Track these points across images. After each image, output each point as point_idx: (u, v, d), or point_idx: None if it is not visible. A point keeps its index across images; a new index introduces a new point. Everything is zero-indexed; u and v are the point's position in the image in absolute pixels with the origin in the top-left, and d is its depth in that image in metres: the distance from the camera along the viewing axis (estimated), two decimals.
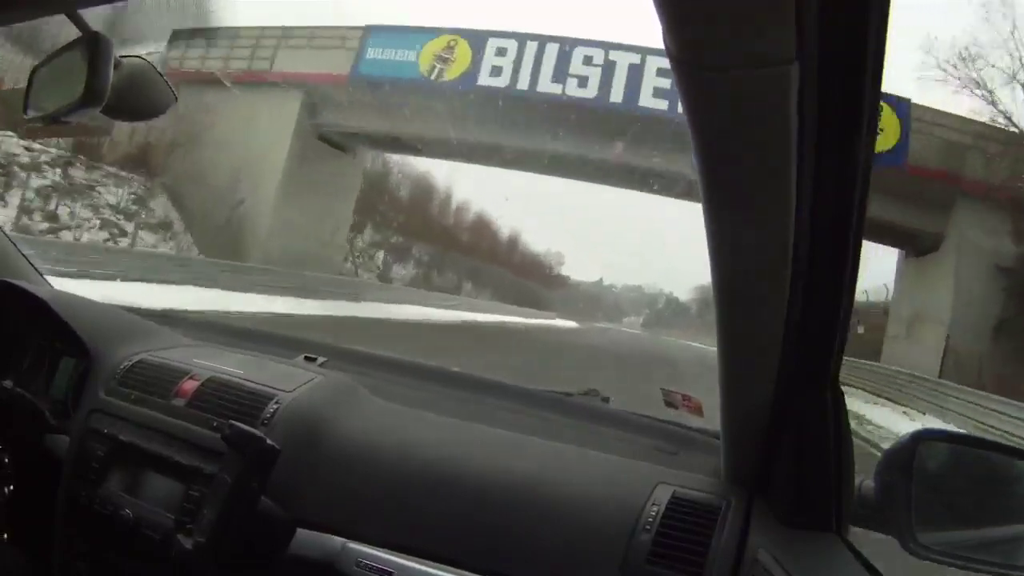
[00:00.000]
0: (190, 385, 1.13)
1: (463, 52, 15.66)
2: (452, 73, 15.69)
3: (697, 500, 0.90)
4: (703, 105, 0.45)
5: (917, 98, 14.09)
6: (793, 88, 0.43)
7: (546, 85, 15.11)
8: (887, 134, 13.01)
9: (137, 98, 0.84)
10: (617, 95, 14.69)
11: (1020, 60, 15.25)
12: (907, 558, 0.75)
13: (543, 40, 15.44)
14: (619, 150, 14.94)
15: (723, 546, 0.83)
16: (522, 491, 0.94)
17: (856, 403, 11.47)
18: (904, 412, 12.25)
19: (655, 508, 0.89)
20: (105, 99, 0.76)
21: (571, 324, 35.75)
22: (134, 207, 15.68)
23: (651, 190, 16.70)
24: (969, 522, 0.83)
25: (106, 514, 1.06)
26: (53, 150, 14.44)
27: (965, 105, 16.17)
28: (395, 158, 24.22)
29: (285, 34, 17.03)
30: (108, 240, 14.65)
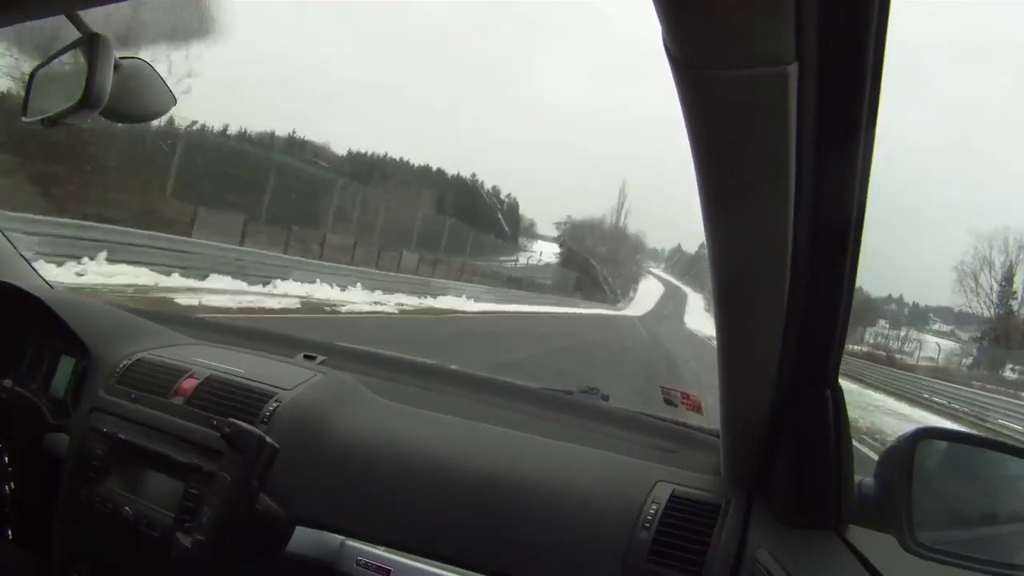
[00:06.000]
0: (189, 383, 1.14)
1: None
2: None
3: (697, 498, 0.90)
4: (703, 105, 0.45)
5: None
6: (793, 88, 0.43)
7: None
8: None
9: (137, 100, 0.84)
10: None
11: None
12: (907, 557, 0.75)
13: None
14: None
15: (723, 545, 0.83)
16: (522, 489, 0.94)
17: None
18: None
19: (654, 506, 0.89)
20: (105, 101, 0.76)
21: None
22: None
23: None
24: (969, 521, 0.83)
25: (106, 512, 1.06)
26: None
27: None
28: None
29: None
30: None
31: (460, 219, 23.81)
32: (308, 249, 13.91)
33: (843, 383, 0.75)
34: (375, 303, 11.86)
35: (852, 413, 0.76)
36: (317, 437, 1.04)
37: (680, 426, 1.16)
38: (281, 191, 14.05)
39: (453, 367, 1.43)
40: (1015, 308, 27.54)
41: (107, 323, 1.34)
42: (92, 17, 0.75)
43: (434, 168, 31.90)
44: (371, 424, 1.08)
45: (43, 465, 1.17)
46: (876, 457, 0.82)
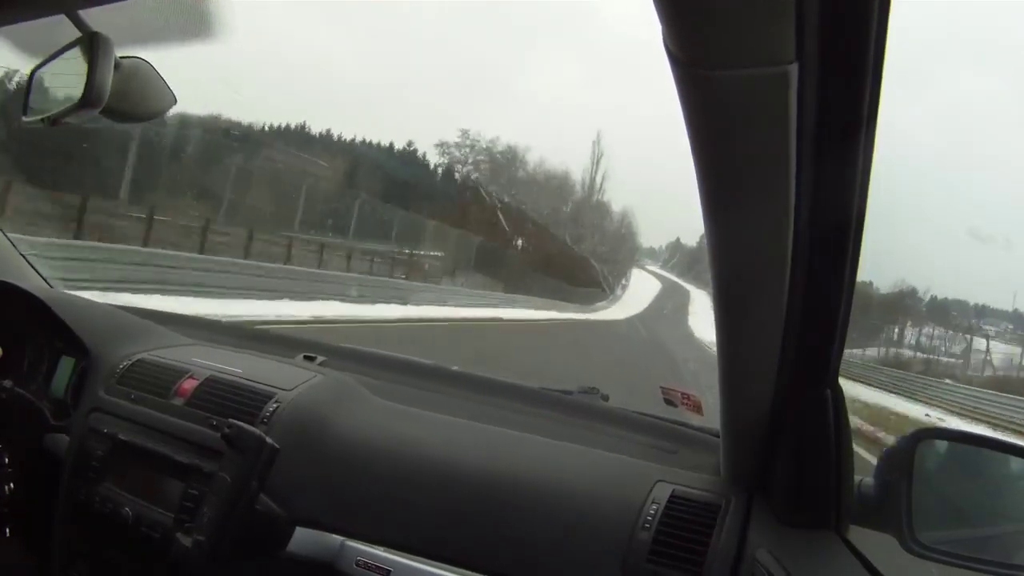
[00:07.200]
0: (189, 384, 1.14)
1: None
2: None
3: (696, 498, 0.90)
4: (703, 105, 0.45)
5: None
6: (793, 88, 0.43)
7: None
8: None
9: (137, 99, 0.84)
10: None
11: None
12: (907, 557, 0.75)
13: None
14: None
15: (723, 544, 0.83)
16: (521, 489, 0.94)
17: None
18: None
19: (654, 506, 0.89)
20: (105, 100, 0.76)
21: None
22: None
23: None
24: (969, 521, 0.83)
25: (106, 512, 1.06)
26: None
27: None
28: None
29: None
30: None
31: (390, 201, 17.93)
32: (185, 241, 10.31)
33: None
34: None
35: None
36: (317, 437, 1.04)
37: (680, 426, 1.16)
38: (147, 164, 10.64)
39: (454, 368, 1.43)
40: None
41: (107, 323, 1.34)
42: (93, 16, 0.75)
43: (373, 142, 22.49)
44: (371, 424, 1.08)
45: (43, 465, 1.17)
46: None
